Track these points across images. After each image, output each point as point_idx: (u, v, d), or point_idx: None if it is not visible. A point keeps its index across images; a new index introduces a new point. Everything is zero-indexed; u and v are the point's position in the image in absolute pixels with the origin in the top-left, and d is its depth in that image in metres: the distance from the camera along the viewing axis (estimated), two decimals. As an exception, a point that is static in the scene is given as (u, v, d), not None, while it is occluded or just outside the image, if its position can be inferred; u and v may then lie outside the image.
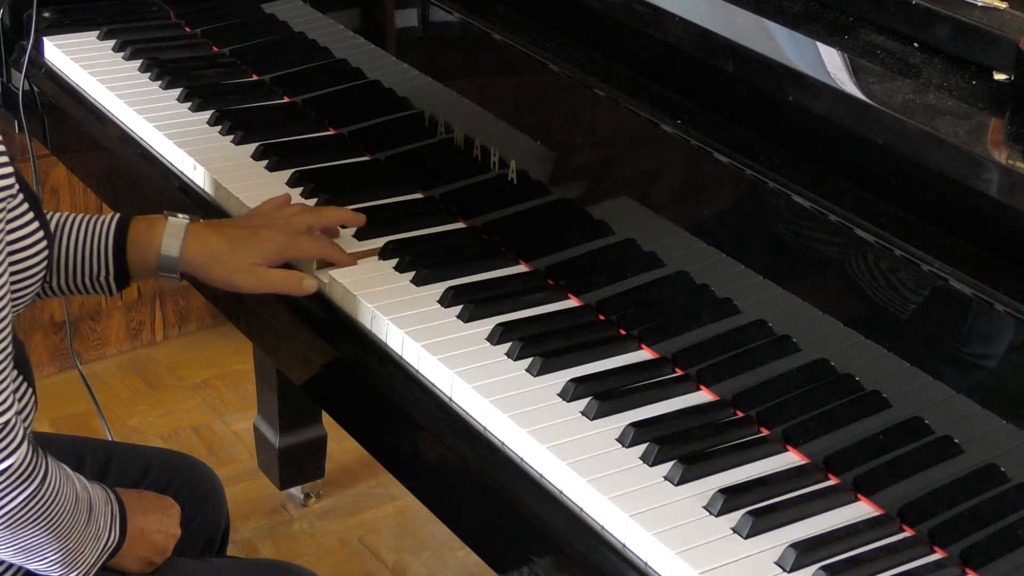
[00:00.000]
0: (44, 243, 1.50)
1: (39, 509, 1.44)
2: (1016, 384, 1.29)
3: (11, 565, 1.52)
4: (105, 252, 1.67)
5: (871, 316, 1.39)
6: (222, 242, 1.67)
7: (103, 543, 1.54)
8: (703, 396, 1.54)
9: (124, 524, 1.57)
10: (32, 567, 1.51)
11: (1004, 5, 1.45)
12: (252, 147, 1.98)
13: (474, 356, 1.57)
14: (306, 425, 2.82)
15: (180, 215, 1.69)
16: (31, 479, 1.42)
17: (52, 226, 1.66)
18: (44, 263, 1.51)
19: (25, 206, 1.47)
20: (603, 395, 1.50)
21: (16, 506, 1.42)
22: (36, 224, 1.48)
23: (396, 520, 2.88)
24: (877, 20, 1.53)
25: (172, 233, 1.66)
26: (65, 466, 1.51)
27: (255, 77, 2.20)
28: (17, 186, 1.45)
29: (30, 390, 1.55)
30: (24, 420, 1.51)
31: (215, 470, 1.92)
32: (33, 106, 2.27)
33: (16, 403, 1.42)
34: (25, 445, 1.42)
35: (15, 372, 1.50)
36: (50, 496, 1.45)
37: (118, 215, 1.69)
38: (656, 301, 1.61)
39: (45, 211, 1.69)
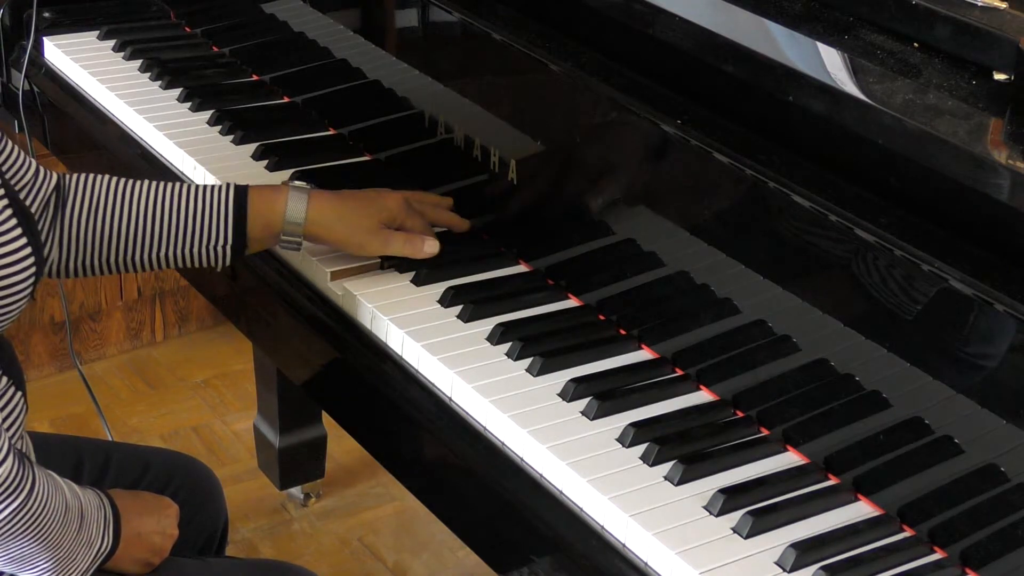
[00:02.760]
0: (31, 259, 1.47)
1: (28, 520, 1.43)
2: (1016, 384, 1.29)
3: (3, 573, 1.52)
4: (225, 220, 1.66)
5: (871, 316, 1.39)
6: (346, 203, 1.70)
7: (96, 549, 1.53)
8: (703, 396, 1.54)
9: (118, 528, 1.56)
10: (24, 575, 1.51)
11: (1004, 5, 1.45)
12: (252, 147, 1.98)
13: (474, 356, 1.57)
14: (306, 425, 2.82)
15: (298, 183, 1.71)
16: (17, 492, 1.41)
17: (165, 193, 1.66)
18: (31, 280, 1.48)
19: (13, 221, 1.45)
20: (603, 395, 1.50)
21: (4, 519, 1.41)
22: (23, 240, 1.45)
23: (396, 520, 2.88)
24: (877, 20, 1.53)
25: (297, 197, 1.67)
26: (54, 474, 1.50)
27: (255, 77, 2.20)
28: (4, 201, 1.43)
29: (19, 394, 1.53)
30: (11, 428, 1.49)
31: (215, 470, 1.92)
32: (33, 106, 2.27)
33: None
34: (11, 458, 1.41)
35: (2, 379, 1.49)
36: (38, 507, 1.44)
37: (233, 183, 1.68)
38: (656, 301, 1.61)
39: (148, 179, 1.69)
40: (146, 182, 1.67)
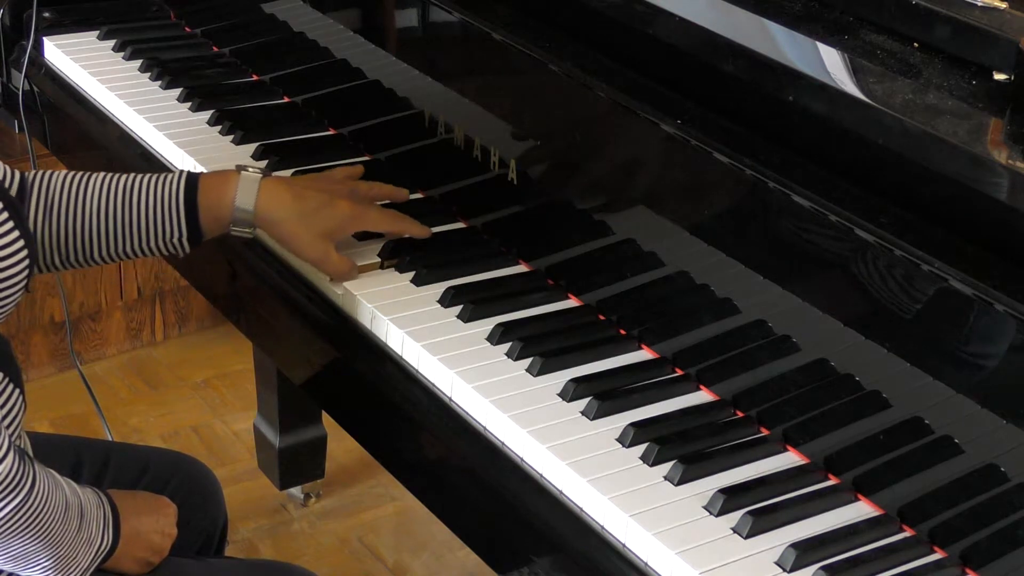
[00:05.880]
0: (24, 252, 1.46)
1: (28, 518, 1.43)
2: (1016, 384, 1.29)
3: (3, 571, 1.52)
4: (177, 212, 1.64)
5: (871, 316, 1.39)
6: (296, 204, 1.66)
7: (96, 548, 1.53)
8: (703, 396, 1.54)
9: (117, 527, 1.56)
10: (25, 574, 1.50)
11: (1004, 5, 1.45)
12: (252, 147, 1.98)
13: (474, 356, 1.57)
14: (306, 425, 2.82)
15: (251, 168, 1.68)
16: (18, 489, 1.41)
17: (118, 189, 1.64)
18: (25, 272, 1.47)
19: (5, 215, 1.44)
20: (603, 395, 1.50)
21: (4, 516, 1.41)
22: (16, 233, 1.45)
23: (396, 520, 2.88)
24: (877, 20, 1.53)
25: (246, 187, 1.65)
26: (54, 472, 1.50)
27: (255, 77, 2.20)
28: None
29: (17, 391, 1.52)
30: (10, 425, 1.49)
31: (215, 470, 1.92)
32: (33, 106, 2.27)
33: None
34: (11, 455, 1.41)
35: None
36: (39, 505, 1.44)
37: (185, 172, 1.66)
38: (656, 301, 1.61)
39: (110, 173, 1.67)
40: (101, 177, 1.65)
